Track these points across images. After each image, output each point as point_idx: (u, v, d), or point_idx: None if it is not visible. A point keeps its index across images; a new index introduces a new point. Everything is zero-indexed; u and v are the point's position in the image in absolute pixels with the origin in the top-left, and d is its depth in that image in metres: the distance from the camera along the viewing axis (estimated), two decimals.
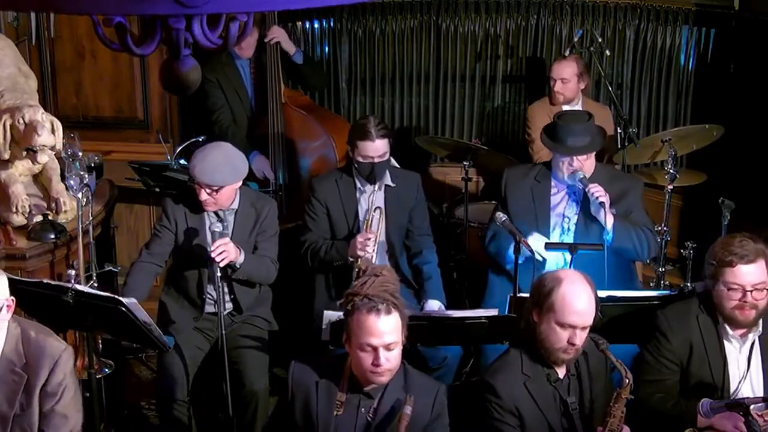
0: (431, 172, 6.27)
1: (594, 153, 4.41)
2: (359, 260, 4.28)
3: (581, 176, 4.30)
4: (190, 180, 4.71)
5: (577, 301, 3.20)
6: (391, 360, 3.06)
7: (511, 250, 4.23)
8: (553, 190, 4.46)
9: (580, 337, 3.22)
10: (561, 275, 3.29)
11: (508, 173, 4.59)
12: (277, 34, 5.35)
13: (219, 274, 3.99)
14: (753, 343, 3.58)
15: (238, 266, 4.10)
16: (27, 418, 3.25)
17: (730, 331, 3.55)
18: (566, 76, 5.42)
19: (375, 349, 3.03)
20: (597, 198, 4.22)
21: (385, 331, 3.02)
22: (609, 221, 4.23)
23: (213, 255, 3.96)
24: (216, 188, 4.08)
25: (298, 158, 5.36)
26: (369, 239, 4.32)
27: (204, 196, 4.08)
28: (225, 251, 3.98)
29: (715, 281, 3.49)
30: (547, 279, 3.29)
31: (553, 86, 5.46)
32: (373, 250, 4.35)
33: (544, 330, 3.24)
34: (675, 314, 3.64)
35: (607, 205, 4.22)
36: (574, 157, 4.33)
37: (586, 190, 4.26)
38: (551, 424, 3.29)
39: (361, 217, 4.55)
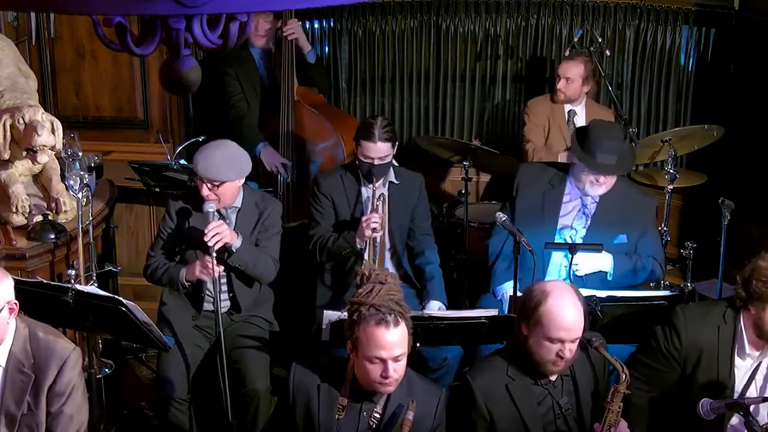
0: (431, 171, 6.26)
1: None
2: (362, 264, 4.27)
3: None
4: (191, 180, 4.72)
5: (565, 315, 3.17)
6: (398, 370, 3.06)
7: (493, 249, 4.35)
8: (566, 198, 4.39)
9: (570, 350, 3.19)
10: (548, 288, 3.25)
11: (523, 170, 4.53)
12: (295, 28, 5.31)
13: (215, 255, 3.99)
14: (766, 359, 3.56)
15: (234, 250, 4.11)
16: (34, 418, 3.28)
17: (747, 348, 3.51)
18: (571, 75, 5.40)
19: (384, 362, 3.03)
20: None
21: (394, 343, 3.02)
22: (608, 268, 4.30)
23: (206, 238, 3.96)
24: (217, 183, 4.08)
25: (307, 157, 5.34)
26: (375, 218, 4.31)
27: (206, 191, 4.09)
28: (219, 233, 3.99)
29: (765, 303, 3.40)
30: (535, 292, 3.25)
31: (557, 83, 5.45)
32: (381, 230, 4.36)
33: (533, 344, 3.23)
34: (694, 315, 3.59)
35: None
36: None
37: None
38: (531, 427, 3.28)
39: (365, 211, 4.55)
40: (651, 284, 4.84)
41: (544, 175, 4.45)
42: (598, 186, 4.29)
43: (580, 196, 4.37)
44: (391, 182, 4.58)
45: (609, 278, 4.31)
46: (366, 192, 4.55)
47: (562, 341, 3.17)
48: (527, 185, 4.44)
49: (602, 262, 4.30)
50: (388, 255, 4.61)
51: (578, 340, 3.22)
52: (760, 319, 3.45)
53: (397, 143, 4.51)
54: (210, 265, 4.03)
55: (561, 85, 5.42)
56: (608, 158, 4.21)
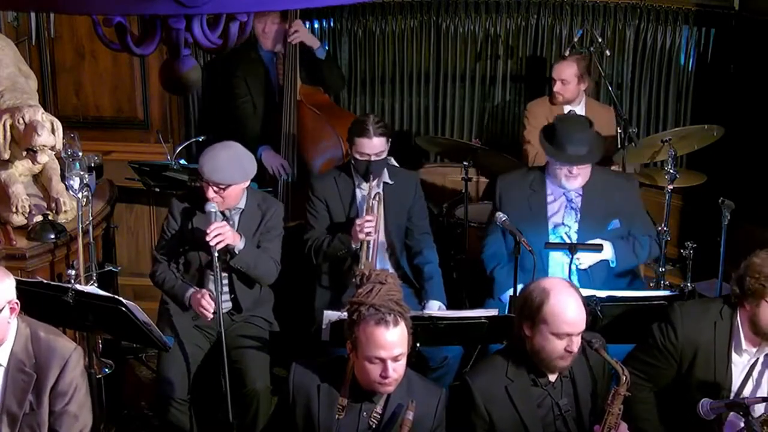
0: (431, 171, 6.26)
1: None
2: (362, 264, 4.27)
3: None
4: (191, 180, 4.71)
5: (569, 310, 3.21)
6: (398, 370, 3.07)
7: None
8: (549, 198, 4.43)
9: (576, 343, 3.23)
10: (547, 286, 3.28)
11: (501, 183, 4.55)
12: (299, 29, 5.25)
13: (216, 254, 3.99)
14: (765, 356, 3.55)
15: (236, 251, 4.10)
16: (36, 418, 3.28)
17: (744, 344, 3.52)
18: (566, 77, 5.42)
19: (383, 361, 3.03)
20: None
21: (394, 343, 3.02)
22: (610, 256, 4.32)
23: (208, 238, 3.96)
24: (223, 187, 4.08)
25: (308, 157, 5.33)
26: (368, 221, 4.31)
27: (211, 194, 4.08)
28: (221, 233, 3.98)
29: (759, 299, 3.43)
30: (534, 292, 3.28)
31: (553, 86, 5.47)
32: (375, 233, 4.36)
33: (538, 342, 3.24)
34: (691, 312, 3.61)
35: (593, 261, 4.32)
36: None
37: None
38: (530, 429, 3.29)
39: (361, 212, 4.54)
40: (651, 284, 4.84)
41: (523, 182, 4.49)
42: (574, 178, 4.34)
43: (563, 193, 4.41)
44: (385, 183, 4.57)
45: (612, 265, 4.34)
46: (360, 193, 4.55)
47: (569, 335, 3.20)
48: (508, 195, 4.48)
49: (602, 251, 4.32)
50: (386, 255, 4.61)
51: (581, 333, 3.25)
52: (754, 316, 3.47)
53: (390, 139, 4.52)
54: (209, 306, 4.05)
55: (558, 87, 5.44)
56: (579, 149, 4.30)
